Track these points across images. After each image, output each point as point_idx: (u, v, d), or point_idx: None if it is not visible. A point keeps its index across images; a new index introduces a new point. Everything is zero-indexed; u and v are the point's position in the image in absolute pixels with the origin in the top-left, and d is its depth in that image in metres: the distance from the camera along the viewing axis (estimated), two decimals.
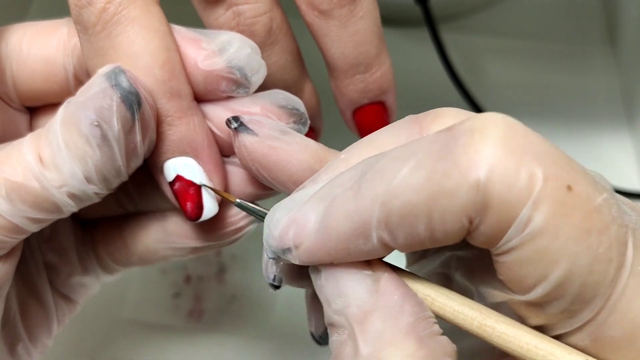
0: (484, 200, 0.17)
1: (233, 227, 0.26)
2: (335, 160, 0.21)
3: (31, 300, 0.27)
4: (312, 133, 0.29)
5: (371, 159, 0.19)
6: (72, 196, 0.22)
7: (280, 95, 0.24)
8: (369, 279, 0.19)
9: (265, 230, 0.20)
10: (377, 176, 0.18)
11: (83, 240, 0.28)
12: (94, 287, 0.30)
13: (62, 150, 0.21)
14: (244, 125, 0.23)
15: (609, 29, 0.52)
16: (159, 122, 0.23)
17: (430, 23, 0.44)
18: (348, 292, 0.19)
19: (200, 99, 0.24)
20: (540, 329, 0.19)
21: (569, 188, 0.17)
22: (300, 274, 0.22)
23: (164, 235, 0.26)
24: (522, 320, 0.19)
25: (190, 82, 0.23)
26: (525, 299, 0.18)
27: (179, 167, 0.23)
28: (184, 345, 0.41)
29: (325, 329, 0.23)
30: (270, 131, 0.23)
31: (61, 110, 0.22)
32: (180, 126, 0.23)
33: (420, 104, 0.49)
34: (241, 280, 0.42)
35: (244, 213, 0.26)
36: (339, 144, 0.46)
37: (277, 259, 0.21)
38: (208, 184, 0.24)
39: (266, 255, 0.22)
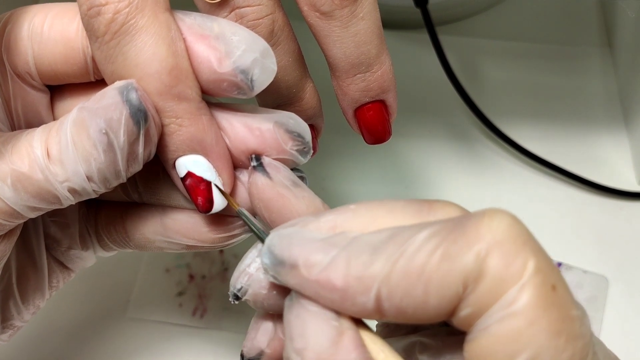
0: (480, 269, 0.18)
1: (226, 234, 0.27)
2: (343, 206, 0.22)
3: (28, 266, 0.29)
4: (313, 132, 0.29)
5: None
6: (73, 191, 0.23)
7: (292, 121, 0.25)
8: (334, 331, 0.20)
9: (274, 240, 0.21)
10: (394, 240, 0.19)
11: (86, 218, 0.30)
12: (90, 261, 0.31)
13: (69, 148, 0.23)
14: (262, 167, 0.24)
15: (607, 30, 0.53)
16: (170, 123, 0.24)
17: (430, 26, 0.44)
18: (311, 335, 0.20)
19: (203, 92, 0.25)
20: None
21: (554, 287, 0.19)
22: (269, 295, 0.23)
23: (162, 229, 0.28)
24: None
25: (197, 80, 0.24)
26: None
27: (189, 164, 0.24)
28: (188, 343, 0.41)
29: (258, 354, 0.25)
30: (284, 179, 0.24)
31: (74, 112, 0.23)
32: (190, 127, 0.24)
33: (420, 104, 0.50)
34: None
35: (239, 222, 0.27)
36: (339, 143, 0.47)
37: (269, 269, 0.21)
38: (217, 181, 0.25)
39: (244, 265, 0.23)
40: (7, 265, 0.28)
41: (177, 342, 0.41)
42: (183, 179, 0.25)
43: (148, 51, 0.23)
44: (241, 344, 0.41)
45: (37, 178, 0.23)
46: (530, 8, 0.54)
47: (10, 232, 0.25)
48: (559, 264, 0.43)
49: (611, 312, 0.42)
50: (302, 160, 0.26)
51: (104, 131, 0.22)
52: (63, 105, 0.27)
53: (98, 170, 0.23)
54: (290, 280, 0.21)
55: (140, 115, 0.22)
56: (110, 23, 0.22)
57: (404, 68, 0.50)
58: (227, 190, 0.25)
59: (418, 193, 0.46)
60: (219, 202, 0.25)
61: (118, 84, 0.23)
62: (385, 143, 0.29)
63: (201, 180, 0.24)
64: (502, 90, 0.50)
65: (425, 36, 0.45)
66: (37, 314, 0.42)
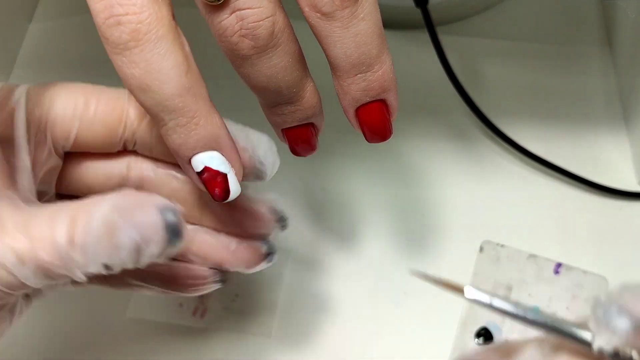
0: None
1: (196, 288, 0.32)
2: None
3: None
4: (314, 130, 0.30)
5: None
6: (87, 274, 0.25)
7: (279, 204, 0.31)
8: None
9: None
10: None
11: None
12: (49, 295, 0.32)
13: (95, 244, 0.23)
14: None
15: (606, 30, 0.53)
16: (188, 122, 0.25)
17: (430, 26, 0.44)
18: None
19: None
20: None
21: None
22: None
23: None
24: None
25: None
26: None
27: (206, 160, 0.26)
28: (188, 343, 0.41)
29: None
30: None
31: (106, 209, 0.24)
32: (207, 125, 0.25)
33: (420, 104, 0.50)
34: (244, 279, 0.43)
35: (209, 276, 0.32)
36: (340, 143, 0.47)
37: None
38: (232, 173, 0.27)
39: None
40: None
41: (177, 342, 0.41)
42: (199, 173, 0.27)
43: (170, 57, 0.24)
44: (241, 343, 0.41)
45: (56, 264, 0.24)
46: (530, 8, 0.54)
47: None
48: (559, 264, 0.43)
49: None
50: (279, 232, 0.32)
51: (136, 241, 0.23)
52: (73, 166, 0.30)
53: (117, 265, 0.24)
54: None
55: (175, 241, 0.24)
56: (134, 32, 0.23)
57: (404, 68, 0.50)
58: (239, 178, 0.27)
59: (418, 192, 0.46)
60: (234, 190, 0.27)
61: (156, 201, 0.24)
62: (385, 143, 0.29)
63: (218, 173, 0.27)
64: (502, 90, 0.50)
65: (425, 36, 0.45)
66: (37, 314, 0.42)
